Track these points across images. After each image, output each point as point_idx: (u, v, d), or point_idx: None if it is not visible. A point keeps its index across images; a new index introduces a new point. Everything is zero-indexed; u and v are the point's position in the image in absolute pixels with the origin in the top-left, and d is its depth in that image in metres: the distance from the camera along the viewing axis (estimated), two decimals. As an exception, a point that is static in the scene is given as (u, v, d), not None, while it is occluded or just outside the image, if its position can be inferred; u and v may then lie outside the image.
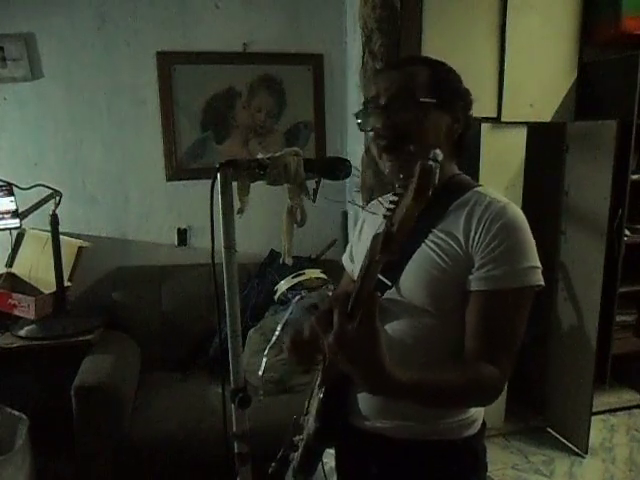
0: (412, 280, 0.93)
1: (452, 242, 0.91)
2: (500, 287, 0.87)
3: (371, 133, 0.98)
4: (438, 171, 0.70)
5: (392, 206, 0.71)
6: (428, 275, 0.92)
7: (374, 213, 1.14)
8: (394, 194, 0.72)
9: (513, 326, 0.90)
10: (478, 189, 0.97)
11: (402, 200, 0.70)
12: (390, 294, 0.96)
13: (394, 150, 0.95)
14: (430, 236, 0.94)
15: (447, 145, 0.98)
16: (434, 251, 0.92)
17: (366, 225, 1.15)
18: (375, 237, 0.72)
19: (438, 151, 0.72)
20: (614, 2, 2.34)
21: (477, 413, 1.02)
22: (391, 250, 0.71)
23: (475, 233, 0.90)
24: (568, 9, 2.39)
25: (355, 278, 1.12)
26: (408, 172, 0.71)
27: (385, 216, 0.72)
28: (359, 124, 1.01)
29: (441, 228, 0.93)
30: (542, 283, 0.90)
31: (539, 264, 0.90)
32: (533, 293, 0.90)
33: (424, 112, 0.94)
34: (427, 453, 0.99)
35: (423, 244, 0.94)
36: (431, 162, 0.70)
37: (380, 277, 0.93)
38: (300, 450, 1.04)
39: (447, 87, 0.97)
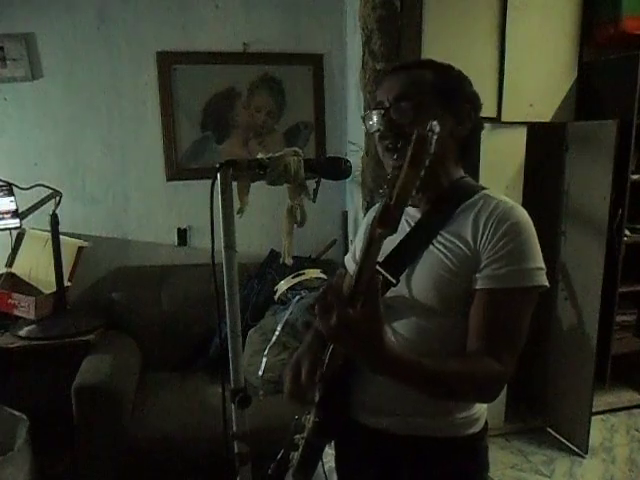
0: (422, 281, 0.95)
1: (460, 244, 0.93)
2: (505, 286, 0.89)
3: (377, 134, 1.00)
4: (434, 141, 0.71)
5: (396, 172, 0.72)
6: (438, 277, 0.93)
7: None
8: (394, 168, 0.74)
9: (517, 324, 0.91)
10: (485, 192, 0.99)
11: (400, 174, 0.71)
12: (400, 293, 0.97)
13: (396, 150, 0.95)
14: (439, 238, 0.95)
15: (451, 147, 1.00)
16: (443, 253, 0.94)
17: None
18: (374, 219, 0.73)
19: (435, 122, 0.74)
20: (614, 2, 2.34)
21: (480, 411, 1.02)
22: (390, 223, 0.72)
23: (482, 233, 0.91)
24: (568, 9, 2.39)
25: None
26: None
27: (383, 195, 0.73)
28: (366, 126, 1.03)
29: (449, 230, 0.95)
30: (546, 284, 0.91)
31: (544, 265, 0.92)
32: (537, 294, 0.92)
33: (425, 114, 0.94)
34: (430, 450, 0.99)
35: (431, 246, 0.96)
36: (428, 132, 0.71)
37: (385, 274, 0.95)
38: (300, 448, 1.04)
39: (452, 89, 0.98)
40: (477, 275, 0.91)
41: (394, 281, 0.96)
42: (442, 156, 0.97)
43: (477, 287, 0.91)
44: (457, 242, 0.93)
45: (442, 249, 0.94)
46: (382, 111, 0.97)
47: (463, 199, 0.98)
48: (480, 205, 0.95)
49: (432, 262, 0.94)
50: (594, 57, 2.46)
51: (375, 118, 0.99)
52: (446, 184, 1.00)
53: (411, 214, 1.03)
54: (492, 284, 0.90)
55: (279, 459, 1.07)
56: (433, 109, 0.95)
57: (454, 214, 0.96)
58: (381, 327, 0.76)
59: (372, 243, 0.74)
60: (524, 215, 0.93)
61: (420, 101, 0.95)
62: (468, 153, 1.05)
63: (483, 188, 1.01)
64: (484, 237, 0.91)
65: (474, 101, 1.02)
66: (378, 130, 0.99)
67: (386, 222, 0.71)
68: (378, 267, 0.95)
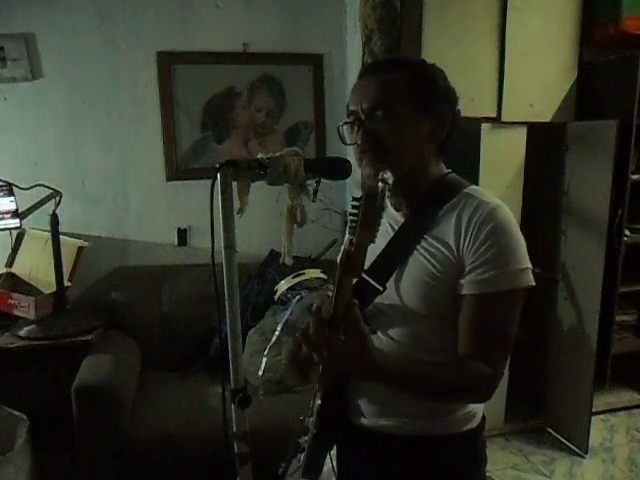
0: (409, 288, 0.94)
1: (444, 249, 0.92)
2: (490, 290, 0.89)
3: (354, 146, 0.98)
4: (387, 192, 0.78)
5: (354, 218, 0.79)
6: (423, 283, 0.93)
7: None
8: (353, 207, 0.80)
9: (505, 327, 0.92)
10: (468, 190, 0.96)
11: (357, 227, 0.78)
12: (391, 300, 0.97)
13: (374, 162, 0.93)
14: (423, 242, 0.94)
15: (430, 149, 0.98)
16: (427, 259, 0.93)
17: None
18: (339, 263, 0.80)
19: (388, 174, 0.77)
20: (614, 2, 2.34)
21: (477, 407, 1.03)
22: (351, 270, 0.80)
23: (465, 238, 0.90)
24: (568, 9, 2.38)
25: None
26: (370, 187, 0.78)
27: (349, 232, 0.79)
28: (341, 138, 1.01)
29: (433, 234, 0.94)
30: (532, 283, 0.91)
31: (529, 264, 0.91)
32: (524, 293, 0.91)
33: (402, 122, 0.93)
34: (428, 448, 1.00)
35: (416, 251, 0.94)
36: (379, 185, 0.75)
37: (371, 282, 0.96)
38: (305, 451, 1.04)
39: (427, 90, 0.94)
40: (462, 281, 0.90)
41: (380, 288, 0.95)
42: (421, 161, 0.97)
43: (463, 293, 0.91)
44: (440, 247, 0.92)
45: (426, 255, 0.93)
46: (357, 124, 0.95)
47: (445, 200, 0.95)
48: (462, 206, 0.93)
49: (417, 268, 0.93)
50: (594, 57, 2.46)
51: (351, 131, 0.97)
52: (426, 186, 0.98)
53: (394, 218, 1.01)
54: (477, 289, 0.89)
55: (288, 459, 1.07)
56: (410, 116, 0.93)
57: (437, 216, 0.94)
58: (366, 349, 0.81)
59: (340, 285, 0.80)
60: (506, 215, 0.91)
61: (396, 109, 0.92)
62: (447, 148, 1.01)
63: (467, 185, 0.98)
64: (467, 242, 0.90)
65: (450, 97, 0.98)
66: (355, 143, 0.96)
67: (350, 268, 0.79)
68: (364, 275, 0.96)
